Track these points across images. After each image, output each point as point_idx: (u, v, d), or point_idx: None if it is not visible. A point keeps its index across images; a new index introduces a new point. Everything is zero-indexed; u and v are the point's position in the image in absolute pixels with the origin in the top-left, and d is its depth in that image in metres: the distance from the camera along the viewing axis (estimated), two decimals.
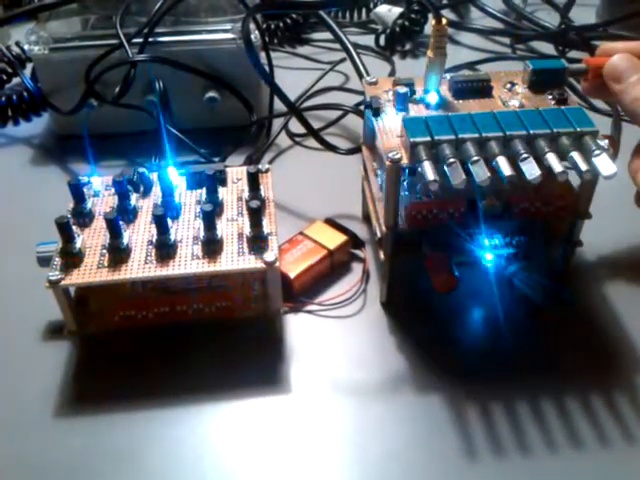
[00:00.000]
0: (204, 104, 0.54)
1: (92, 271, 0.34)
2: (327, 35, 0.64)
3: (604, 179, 0.32)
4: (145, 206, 0.39)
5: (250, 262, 0.35)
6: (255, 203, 0.35)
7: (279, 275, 0.36)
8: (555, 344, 0.38)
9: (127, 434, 0.33)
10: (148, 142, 0.52)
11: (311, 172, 0.52)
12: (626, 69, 0.35)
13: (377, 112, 0.37)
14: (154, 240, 0.35)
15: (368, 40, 0.72)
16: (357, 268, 0.43)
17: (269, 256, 0.34)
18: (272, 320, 0.38)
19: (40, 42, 0.52)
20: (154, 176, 0.40)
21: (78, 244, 0.35)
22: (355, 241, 0.43)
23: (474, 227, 0.36)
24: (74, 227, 0.36)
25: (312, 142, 0.53)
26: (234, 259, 0.35)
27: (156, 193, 0.40)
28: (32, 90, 0.55)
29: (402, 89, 0.37)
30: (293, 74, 0.66)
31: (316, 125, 0.52)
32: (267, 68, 0.55)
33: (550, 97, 0.38)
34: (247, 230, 0.36)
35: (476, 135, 0.33)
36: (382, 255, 0.37)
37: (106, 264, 0.35)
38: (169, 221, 0.36)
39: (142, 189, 0.40)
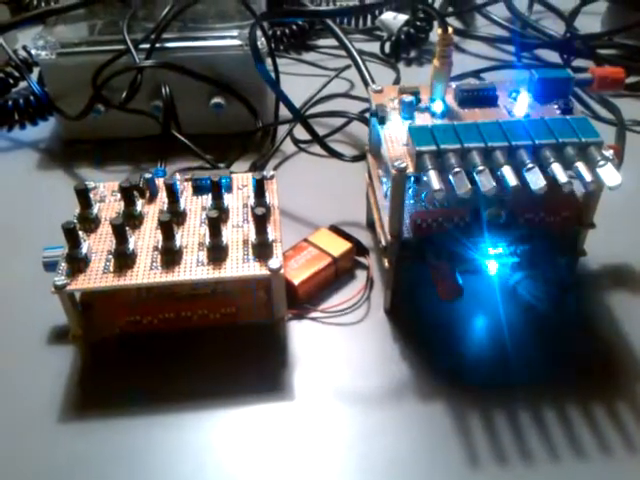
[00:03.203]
0: (210, 110, 0.54)
1: (98, 276, 0.34)
2: (332, 42, 0.64)
3: (609, 190, 0.32)
4: (151, 212, 0.39)
5: (255, 269, 0.35)
6: (261, 210, 0.35)
7: (283, 282, 0.36)
8: (558, 353, 0.38)
9: (130, 439, 0.33)
10: (154, 147, 0.52)
11: (316, 179, 0.52)
12: None
13: (383, 120, 0.37)
14: (159, 246, 0.36)
15: (373, 47, 0.72)
16: (361, 275, 0.43)
17: (274, 263, 0.35)
18: (276, 327, 0.38)
19: (47, 47, 0.52)
20: (160, 182, 0.41)
21: (84, 249, 0.35)
22: (359, 248, 0.43)
23: (479, 236, 0.36)
24: (80, 232, 0.36)
25: (317, 149, 0.53)
26: (239, 266, 0.35)
27: (162, 199, 0.40)
28: (39, 94, 0.55)
29: (408, 98, 0.38)
30: (299, 80, 0.66)
31: (321, 132, 0.52)
32: (273, 74, 0.55)
33: (555, 107, 0.38)
34: (252, 237, 0.36)
35: (481, 144, 0.33)
36: (386, 263, 0.37)
37: (112, 269, 0.35)
38: (174, 227, 0.36)
39: (148, 195, 0.40)
